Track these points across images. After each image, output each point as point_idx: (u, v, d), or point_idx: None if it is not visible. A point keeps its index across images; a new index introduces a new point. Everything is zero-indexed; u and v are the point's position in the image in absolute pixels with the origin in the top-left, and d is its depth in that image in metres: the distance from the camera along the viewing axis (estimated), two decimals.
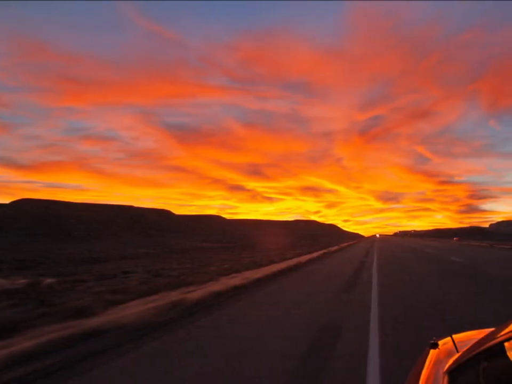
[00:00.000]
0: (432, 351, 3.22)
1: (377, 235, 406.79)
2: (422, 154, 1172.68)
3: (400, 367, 5.31)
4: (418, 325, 9.95)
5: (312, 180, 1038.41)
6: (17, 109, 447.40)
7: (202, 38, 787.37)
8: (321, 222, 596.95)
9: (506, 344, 1.99)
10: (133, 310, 11.03)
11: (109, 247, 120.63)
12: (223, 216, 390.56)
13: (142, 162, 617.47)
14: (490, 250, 56.82)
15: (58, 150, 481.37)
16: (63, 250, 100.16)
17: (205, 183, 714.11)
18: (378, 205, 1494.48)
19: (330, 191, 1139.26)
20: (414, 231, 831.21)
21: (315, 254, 45.03)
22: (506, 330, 2.01)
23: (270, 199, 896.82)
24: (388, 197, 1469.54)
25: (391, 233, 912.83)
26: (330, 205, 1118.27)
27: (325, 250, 55.38)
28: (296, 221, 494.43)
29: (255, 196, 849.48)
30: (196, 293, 14.20)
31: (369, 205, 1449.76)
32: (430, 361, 3.02)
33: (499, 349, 2.02)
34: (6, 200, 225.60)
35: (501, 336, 2.02)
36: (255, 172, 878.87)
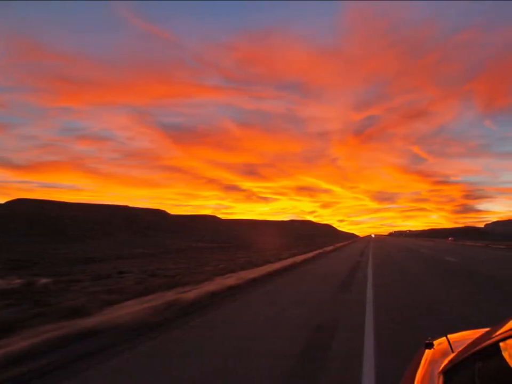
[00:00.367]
0: (427, 351, 3.22)
1: (373, 235, 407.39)
2: (418, 154, 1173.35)
3: (396, 367, 5.32)
4: (414, 325, 9.97)
5: (308, 180, 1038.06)
6: (13, 109, 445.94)
7: (198, 38, 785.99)
8: (317, 222, 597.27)
9: (501, 344, 1.98)
10: (128, 310, 11.03)
11: (104, 247, 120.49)
12: (218, 216, 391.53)
13: (138, 162, 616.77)
14: (486, 251, 56.87)
15: (53, 150, 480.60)
16: (58, 250, 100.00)
17: (200, 183, 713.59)
18: (374, 205, 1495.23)
19: (325, 191, 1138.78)
20: (409, 231, 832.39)
21: (310, 254, 45.07)
22: (502, 330, 2.01)
23: (265, 199, 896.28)
24: (383, 197, 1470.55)
25: (386, 233, 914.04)
26: (325, 205, 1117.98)
27: (320, 250, 55.45)
28: (292, 221, 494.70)
29: (250, 196, 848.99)
30: (192, 293, 14.20)
31: (364, 205, 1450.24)
32: (425, 361, 3.01)
33: (494, 349, 2.01)
34: (1, 200, 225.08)
35: (496, 336, 2.02)
36: (251, 171, 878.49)
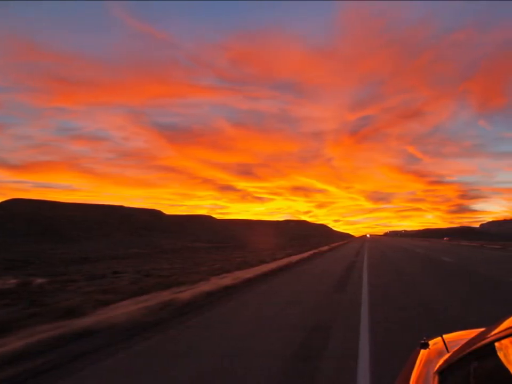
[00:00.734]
0: (422, 351, 3.21)
1: (368, 235, 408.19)
2: (413, 154, 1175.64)
3: (391, 367, 5.32)
4: (409, 325, 9.99)
5: (303, 180, 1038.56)
6: (8, 108, 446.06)
7: (192, 38, 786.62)
8: (312, 222, 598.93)
9: (496, 344, 1.97)
10: (123, 310, 11.03)
11: (100, 247, 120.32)
12: (214, 216, 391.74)
13: (133, 162, 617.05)
14: (481, 251, 56.96)
15: (49, 150, 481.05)
16: (54, 250, 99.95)
17: (195, 183, 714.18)
18: (369, 205, 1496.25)
19: (320, 191, 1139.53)
20: (405, 231, 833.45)
21: (306, 254, 45.12)
22: (497, 330, 1.99)
23: (260, 199, 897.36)
24: (378, 197, 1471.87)
25: (382, 233, 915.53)
26: (320, 205, 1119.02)
27: (316, 250, 55.50)
28: (287, 221, 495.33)
29: (245, 196, 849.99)
30: (187, 293, 14.20)
31: (359, 205, 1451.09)
32: (421, 361, 3.01)
33: (489, 349, 2.00)
34: None
35: (491, 336, 2.01)
36: (246, 172, 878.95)
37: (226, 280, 18.45)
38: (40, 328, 8.81)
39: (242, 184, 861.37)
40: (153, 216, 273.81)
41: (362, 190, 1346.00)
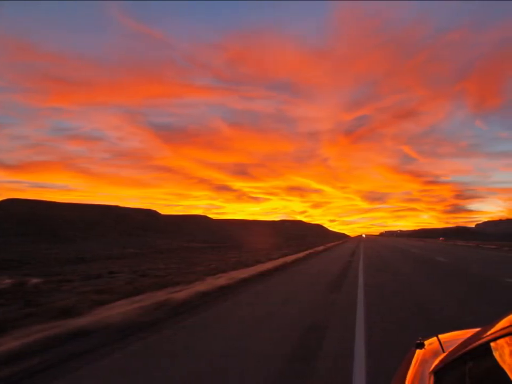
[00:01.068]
0: (418, 351, 3.23)
1: (363, 235, 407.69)
2: (408, 154, 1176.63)
3: (386, 367, 5.33)
4: (404, 324, 10.03)
5: (298, 180, 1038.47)
6: (3, 109, 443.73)
7: (188, 38, 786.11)
8: (307, 222, 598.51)
9: (492, 344, 1.97)
10: (118, 310, 11.03)
11: (95, 247, 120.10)
12: (209, 216, 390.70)
13: (128, 162, 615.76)
14: (477, 251, 57.01)
15: (44, 150, 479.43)
16: (49, 250, 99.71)
17: (191, 183, 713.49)
18: (364, 205, 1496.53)
19: (316, 191, 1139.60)
20: (400, 231, 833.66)
21: (301, 254, 45.05)
22: (492, 330, 2.00)
23: (256, 199, 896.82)
24: (374, 197, 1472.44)
25: (377, 233, 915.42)
26: (316, 205, 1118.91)
27: (311, 251, 55.43)
28: (282, 221, 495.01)
29: (241, 196, 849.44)
30: (182, 293, 14.20)
31: (355, 205, 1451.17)
32: (416, 361, 3.03)
33: (485, 349, 2.01)
34: None
35: (486, 336, 2.02)
36: (241, 172, 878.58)
37: (222, 280, 18.45)
38: (35, 328, 8.81)
39: (238, 184, 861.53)
40: (149, 216, 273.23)
41: (358, 190, 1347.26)
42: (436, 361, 2.69)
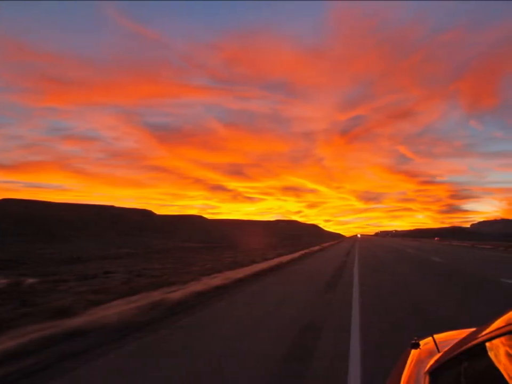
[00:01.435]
0: (413, 351, 3.23)
1: (359, 235, 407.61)
2: (403, 154, 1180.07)
3: (382, 367, 5.33)
4: (400, 325, 10.03)
5: (293, 180, 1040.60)
6: None
7: (184, 38, 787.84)
8: (303, 222, 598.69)
9: (487, 344, 1.98)
10: (114, 310, 11.03)
11: (91, 247, 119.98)
12: (205, 216, 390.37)
13: (124, 163, 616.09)
14: (472, 251, 56.94)
15: (39, 150, 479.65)
16: (45, 250, 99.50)
17: (186, 183, 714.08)
18: (360, 205, 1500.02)
19: (311, 191, 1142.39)
20: (395, 231, 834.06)
21: (296, 254, 45.06)
22: (488, 330, 2.00)
23: (251, 199, 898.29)
24: (369, 197, 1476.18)
25: (372, 233, 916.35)
26: (311, 205, 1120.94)
27: (307, 250, 55.45)
28: (278, 221, 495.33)
29: (236, 196, 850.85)
30: (178, 293, 14.21)
31: (350, 205, 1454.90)
32: (411, 362, 3.03)
33: (480, 349, 2.02)
34: None
35: (482, 336, 2.02)
36: (236, 172, 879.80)
37: (217, 280, 18.46)
38: (31, 328, 8.80)
39: (233, 184, 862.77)
40: (145, 216, 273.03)
41: (353, 190, 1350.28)
42: (431, 361, 2.69)
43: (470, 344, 2.13)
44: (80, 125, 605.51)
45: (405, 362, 3.08)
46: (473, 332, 2.35)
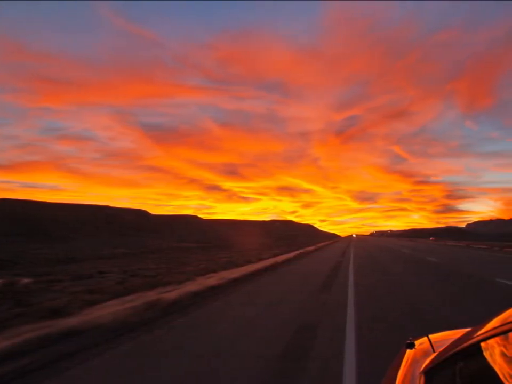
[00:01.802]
0: (408, 351, 3.23)
1: (354, 235, 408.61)
2: (398, 154, 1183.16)
3: (377, 368, 5.34)
4: (395, 325, 10.05)
5: (289, 180, 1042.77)
6: None
7: (179, 38, 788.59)
8: (298, 222, 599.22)
9: (482, 344, 1.99)
10: (109, 310, 11.04)
11: (86, 247, 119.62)
12: (200, 216, 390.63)
13: (119, 163, 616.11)
14: (468, 251, 57.02)
15: (34, 150, 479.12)
16: (40, 250, 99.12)
17: (181, 183, 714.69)
18: (355, 205, 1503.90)
19: (306, 191, 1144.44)
20: (391, 231, 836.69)
21: (292, 254, 45.13)
22: (483, 330, 2.01)
23: (246, 199, 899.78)
24: (364, 197, 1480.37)
25: (368, 233, 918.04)
26: (306, 205, 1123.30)
27: (302, 250, 55.49)
28: (273, 221, 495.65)
29: (231, 196, 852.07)
30: (173, 293, 14.21)
31: (345, 205, 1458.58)
32: (407, 361, 3.03)
33: (475, 349, 2.02)
34: None
35: (477, 336, 2.03)
36: (232, 171, 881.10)
37: (212, 280, 18.47)
38: (26, 328, 8.81)
39: (228, 184, 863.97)
40: (140, 216, 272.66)
41: (348, 190, 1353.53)
42: (427, 361, 2.69)
43: (465, 344, 2.13)
44: (76, 125, 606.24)
45: (400, 362, 3.08)
46: (469, 332, 2.36)
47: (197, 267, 29.17)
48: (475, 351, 2.03)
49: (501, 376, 1.75)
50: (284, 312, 11.99)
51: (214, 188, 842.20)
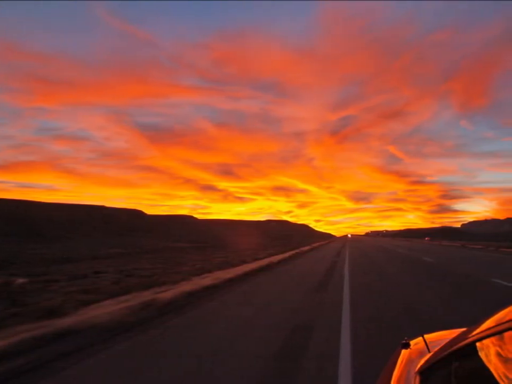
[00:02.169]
0: (403, 351, 3.23)
1: (349, 235, 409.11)
2: (394, 154, 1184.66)
3: (372, 368, 5.35)
4: (391, 325, 10.06)
5: (284, 180, 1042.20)
6: None
7: (174, 38, 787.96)
8: (293, 222, 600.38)
9: (477, 344, 1.99)
10: (104, 310, 11.03)
11: (81, 247, 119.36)
12: (195, 216, 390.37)
13: (114, 163, 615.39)
14: (463, 250, 57.17)
15: (30, 150, 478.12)
16: (35, 250, 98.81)
17: (176, 183, 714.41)
18: (350, 205, 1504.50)
19: (302, 191, 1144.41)
20: (386, 231, 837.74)
21: (287, 254, 45.13)
22: (478, 330, 2.01)
23: (241, 199, 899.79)
24: (360, 197, 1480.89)
25: (363, 233, 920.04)
26: (302, 205, 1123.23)
27: (297, 250, 55.52)
28: (268, 221, 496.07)
29: (226, 196, 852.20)
30: (168, 293, 14.21)
31: (340, 205, 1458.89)
32: (402, 361, 3.03)
33: (471, 349, 2.02)
34: None
35: (472, 336, 2.03)
36: (227, 171, 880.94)
37: (208, 280, 18.47)
38: (22, 328, 8.79)
39: (223, 184, 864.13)
40: (135, 216, 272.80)
41: (343, 190, 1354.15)
42: (422, 361, 2.69)
43: (460, 344, 2.14)
44: (71, 125, 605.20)
45: (395, 362, 3.08)
46: (464, 332, 2.36)
47: (193, 267, 29.12)
48: (470, 351, 2.03)
49: (496, 376, 1.74)
50: (280, 312, 12.00)
51: (209, 188, 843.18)
